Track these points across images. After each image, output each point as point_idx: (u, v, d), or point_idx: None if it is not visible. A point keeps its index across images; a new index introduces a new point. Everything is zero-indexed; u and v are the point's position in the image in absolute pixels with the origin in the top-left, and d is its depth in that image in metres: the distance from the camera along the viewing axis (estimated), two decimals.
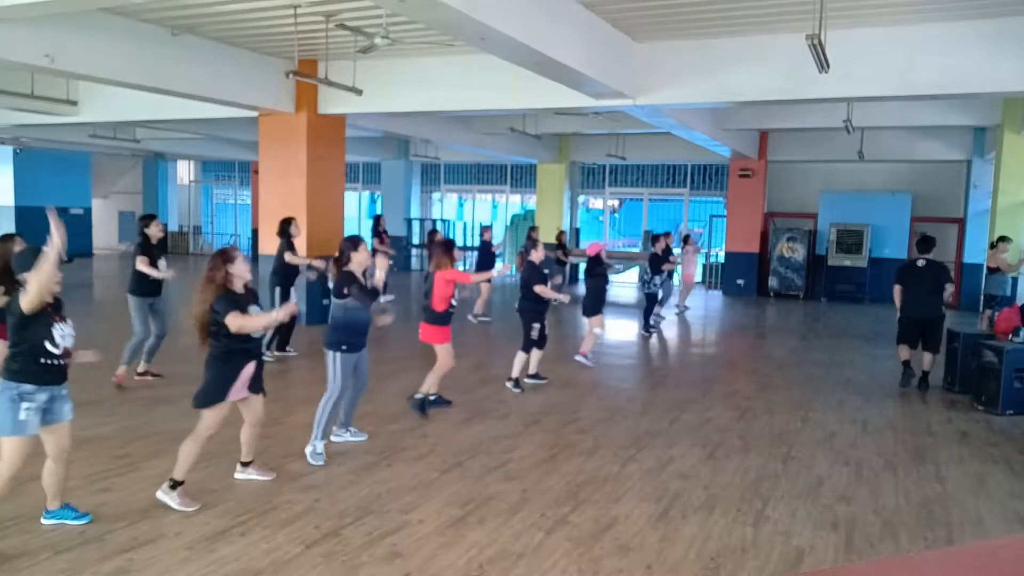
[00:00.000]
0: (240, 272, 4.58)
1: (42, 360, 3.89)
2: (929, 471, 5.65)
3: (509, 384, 7.76)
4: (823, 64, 6.58)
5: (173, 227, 26.52)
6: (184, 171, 27.14)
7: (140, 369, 7.64)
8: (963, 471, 5.68)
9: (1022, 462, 5.94)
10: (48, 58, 7.97)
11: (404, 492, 4.89)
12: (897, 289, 8.49)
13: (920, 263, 8.36)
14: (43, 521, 4.27)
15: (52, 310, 3.95)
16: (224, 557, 3.95)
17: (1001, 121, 13.04)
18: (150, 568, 3.82)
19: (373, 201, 25.12)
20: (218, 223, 27.10)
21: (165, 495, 4.54)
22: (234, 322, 4.41)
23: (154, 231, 7.48)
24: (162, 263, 7.45)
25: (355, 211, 23.66)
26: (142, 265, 7.32)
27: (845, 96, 9.35)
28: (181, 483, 4.57)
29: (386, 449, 5.73)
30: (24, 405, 3.84)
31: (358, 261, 5.50)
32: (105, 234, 25.94)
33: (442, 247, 6.87)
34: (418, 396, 6.75)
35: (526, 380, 7.91)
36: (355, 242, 5.57)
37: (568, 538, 4.29)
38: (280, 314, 4.78)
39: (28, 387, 3.85)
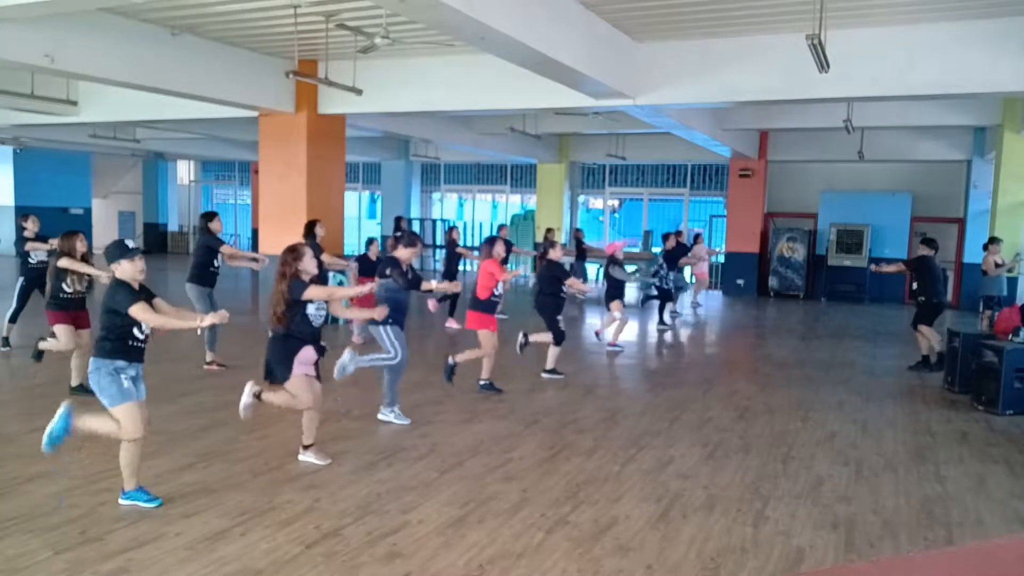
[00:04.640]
0: (307, 267, 5.03)
1: (130, 343, 4.35)
2: (929, 471, 5.65)
3: (546, 375, 8.17)
4: (823, 64, 6.58)
5: (173, 227, 26.55)
6: (184, 171, 27.13)
7: (207, 359, 8.09)
8: (963, 471, 5.68)
9: (1022, 462, 5.94)
10: (48, 58, 7.97)
11: (404, 492, 4.89)
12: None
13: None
14: (120, 501, 4.50)
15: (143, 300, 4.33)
16: (224, 557, 3.95)
17: (1001, 121, 13.05)
18: (150, 568, 3.82)
19: (373, 201, 25.12)
20: None
21: (303, 455, 5.27)
22: (318, 292, 4.99)
23: (215, 226, 8.08)
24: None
25: (355, 211, 23.66)
26: (225, 249, 8.02)
27: (845, 96, 9.36)
28: (311, 445, 5.27)
29: (386, 449, 5.73)
30: (123, 376, 4.32)
31: (403, 257, 6.18)
32: (105, 234, 25.91)
33: (488, 242, 7.57)
34: (482, 381, 7.41)
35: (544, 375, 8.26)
36: (411, 239, 6.32)
37: (568, 538, 4.29)
38: (363, 288, 5.38)
39: (121, 362, 4.33)
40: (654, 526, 4.49)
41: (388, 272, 6.11)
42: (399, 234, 6.44)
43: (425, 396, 7.28)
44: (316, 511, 4.56)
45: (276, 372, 5.06)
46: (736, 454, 5.88)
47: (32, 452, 5.38)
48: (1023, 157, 13.01)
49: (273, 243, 9.38)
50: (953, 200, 16.73)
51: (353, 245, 21.79)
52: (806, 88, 8.46)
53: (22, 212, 9.46)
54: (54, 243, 7.57)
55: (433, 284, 6.37)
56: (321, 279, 9.97)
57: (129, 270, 4.33)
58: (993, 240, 11.03)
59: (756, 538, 4.36)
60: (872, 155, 15.79)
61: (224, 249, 8.04)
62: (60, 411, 4.49)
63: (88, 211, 23.74)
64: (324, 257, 9.21)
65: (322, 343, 5.24)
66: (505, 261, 12.70)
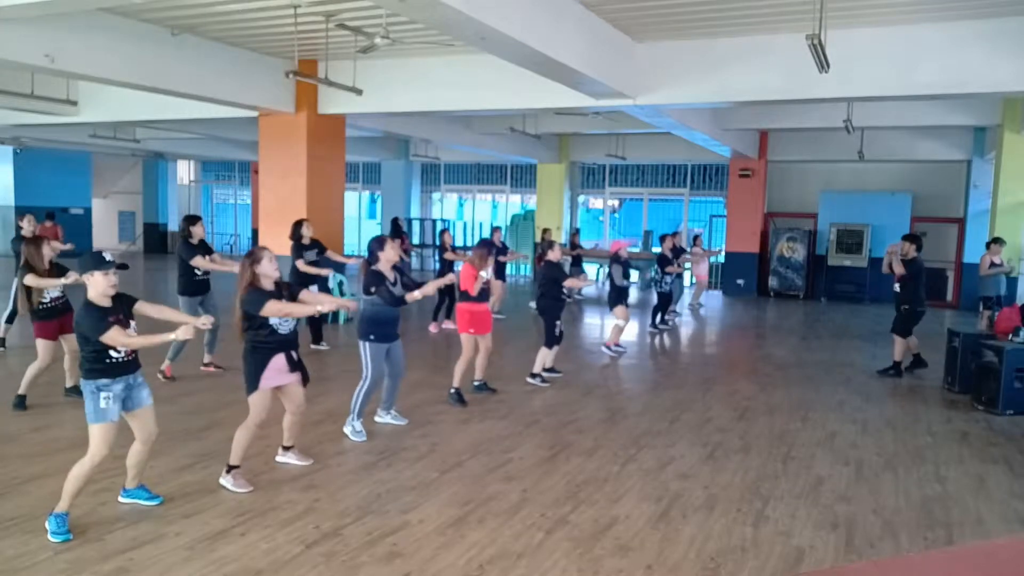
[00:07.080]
0: (267, 271, 4.80)
1: (107, 361, 4.17)
2: (929, 471, 5.65)
3: (534, 380, 7.99)
4: (823, 64, 6.58)
5: (173, 227, 26.55)
6: (184, 171, 27.15)
7: (205, 360, 8.08)
8: (963, 471, 5.68)
9: (1022, 462, 5.94)
10: (48, 58, 7.97)
11: (404, 492, 4.89)
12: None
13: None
14: (120, 499, 4.57)
15: (114, 318, 4.14)
16: (224, 557, 3.95)
17: (1001, 121, 13.05)
18: (150, 568, 3.82)
19: (373, 201, 25.13)
20: (218, 223, 27.11)
21: (223, 479, 4.89)
22: (274, 308, 4.69)
23: (196, 231, 7.84)
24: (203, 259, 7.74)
25: (355, 211, 23.67)
26: (198, 261, 7.64)
27: (845, 96, 9.35)
28: (237, 467, 4.90)
29: (386, 449, 5.73)
30: (103, 395, 4.16)
31: (386, 259, 5.91)
32: (105, 234, 25.94)
33: (480, 246, 7.42)
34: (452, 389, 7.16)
35: (544, 373, 8.13)
36: (381, 241, 5.98)
37: (568, 538, 4.29)
38: (325, 307, 5.04)
39: (104, 380, 4.17)
40: (654, 526, 4.49)
41: (372, 290, 5.78)
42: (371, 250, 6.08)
43: (425, 396, 7.28)
44: (316, 511, 4.56)
45: (246, 387, 4.83)
46: (736, 454, 5.88)
47: (32, 452, 5.39)
48: (1023, 157, 13.01)
49: (274, 243, 9.30)
50: (953, 200, 16.73)
51: (353, 245, 21.80)
52: (806, 88, 8.45)
53: (20, 212, 9.50)
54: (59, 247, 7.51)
55: (416, 295, 5.89)
56: (322, 281, 10.01)
57: (101, 284, 4.11)
58: (996, 240, 11.03)
59: (756, 538, 4.36)
60: (872, 155, 15.79)
61: (196, 262, 7.61)
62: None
63: (88, 211, 23.75)
64: (330, 254, 9.29)
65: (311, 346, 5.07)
66: (503, 267, 12.71)
